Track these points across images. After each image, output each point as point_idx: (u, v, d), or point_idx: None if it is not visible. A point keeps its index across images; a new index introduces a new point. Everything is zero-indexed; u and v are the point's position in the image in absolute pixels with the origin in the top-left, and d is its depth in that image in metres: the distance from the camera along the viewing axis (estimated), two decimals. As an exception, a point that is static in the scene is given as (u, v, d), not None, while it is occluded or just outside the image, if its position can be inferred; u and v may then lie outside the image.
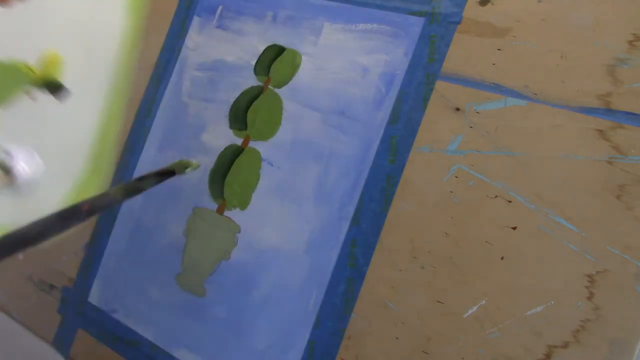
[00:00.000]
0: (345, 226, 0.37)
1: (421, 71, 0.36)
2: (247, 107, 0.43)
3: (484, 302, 0.31)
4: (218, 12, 0.46)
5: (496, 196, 0.32)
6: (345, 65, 0.39)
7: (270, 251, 0.39)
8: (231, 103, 0.44)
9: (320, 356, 0.36)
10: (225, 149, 0.43)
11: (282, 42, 0.42)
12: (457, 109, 0.34)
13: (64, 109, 0.44)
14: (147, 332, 0.43)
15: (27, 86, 0.41)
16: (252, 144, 0.42)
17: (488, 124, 0.33)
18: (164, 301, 0.43)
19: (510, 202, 0.32)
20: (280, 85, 0.41)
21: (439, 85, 0.35)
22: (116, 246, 0.47)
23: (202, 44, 0.46)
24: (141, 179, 0.32)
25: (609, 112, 0.30)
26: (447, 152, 0.34)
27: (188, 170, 0.36)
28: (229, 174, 0.42)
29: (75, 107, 0.45)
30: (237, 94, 0.43)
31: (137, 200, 0.46)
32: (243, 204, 0.41)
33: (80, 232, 0.48)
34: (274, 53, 0.43)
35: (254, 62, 0.43)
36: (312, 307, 0.37)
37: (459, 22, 0.35)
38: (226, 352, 0.39)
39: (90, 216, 0.26)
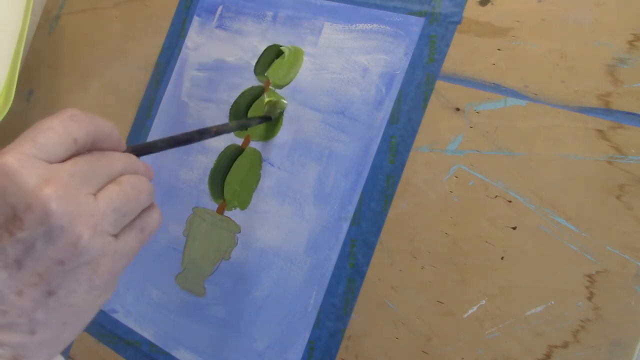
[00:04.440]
0: (345, 226, 0.37)
1: (421, 71, 0.36)
2: (247, 107, 0.43)
3: (484, 302, 0.31)
4: (218, 12, 0.46)
5: (496, 196, 0.32)
6: (345, 65, 0.39)
7: (270, 251, 0.39)
8: (231, 103, 0.43)
9: (320, 356, 0.36)
10: (226, 149, 0.43)
11: (282, 42, 0.42)
12: (457, 109, 0.34)
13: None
14: (147, 332, 0.43)
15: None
16: (252, 144, 0.42)
17: (488, 124, 0.33)
18: (164, 301, 0.43)
19: (510, 202, 0.32)
20: (280, 85, 0.41)
21: (439, 85, 0.35)
22: (116, 246, 0.47)
23: (202, 44, 0.46)
24: (250, 118, 0.41)
25: (609, 112, 0.30)
26: (447, 152, 0.34)
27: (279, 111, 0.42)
28: (229, 174, 0.42)
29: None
30: (237, 94, 0.43)
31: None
32: (243, 204, 0.41)
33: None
34: (274, 53, 0.43)
35: (254, 62, 0.43)
36: (312, 307, 0.37)
37: (459, 22, 0.35)
38: (226, 352, 0.39)
39: (217, 135, 0.35)
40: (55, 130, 0.23)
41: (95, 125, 0.24)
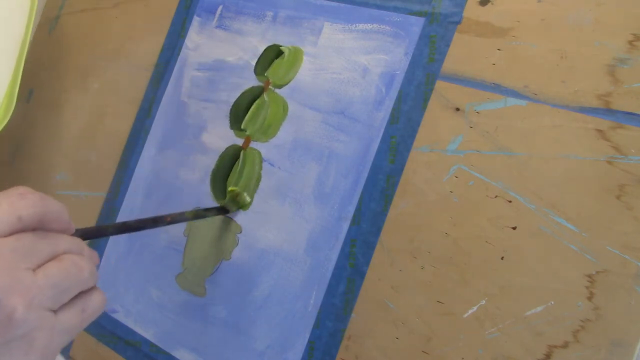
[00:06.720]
0: (345, 226, 0.37)
1: (421, 71, 0.36)
2: (247, 107, 0.43)
3: (484, 302, 0.31)
4: (218, 12, 0.46)
5: (496, 196, 0.32)
6: (345, 65, 0.39)
7: (270, 251, 0.39)
8: (231, 103, 0.44)
9: (320, 356, 0.36)
10: (226, 149, 0.43)
11: (282, 42, 0.42)
12: (457, 109, 0.34)
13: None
14: (147, 332, 0.43)
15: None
16: (252, 144, 0.42)
17: (488, 124, 0.33)
18: (164, 301, 0.43)
19: (510, 202, 0.32)
20: (280, 85, 0.41)
21: (439, 85, 0.35)
22: (116, 246, 0.47)
23: (202, 44, 0.46)
24: (206, 209, 0.40)
25: (609, 112, 0.30)
26: (447, 152, 0.34)
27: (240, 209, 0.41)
28: (230, 174, 0.42)
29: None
30: (237, 94, 0.43)
31: (137, 200, 0.46)
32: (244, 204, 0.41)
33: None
34: (274, 53, 0.43)
35: (254, 62, 0.43)
36: (312, 307, 0.37)
37: (459, 22, 0.35)
38: (226, 352, 0.39)
39: (170, 224, 0.36)
40: (1, 207, 0.23)
41: (43, 204, 0.24)
